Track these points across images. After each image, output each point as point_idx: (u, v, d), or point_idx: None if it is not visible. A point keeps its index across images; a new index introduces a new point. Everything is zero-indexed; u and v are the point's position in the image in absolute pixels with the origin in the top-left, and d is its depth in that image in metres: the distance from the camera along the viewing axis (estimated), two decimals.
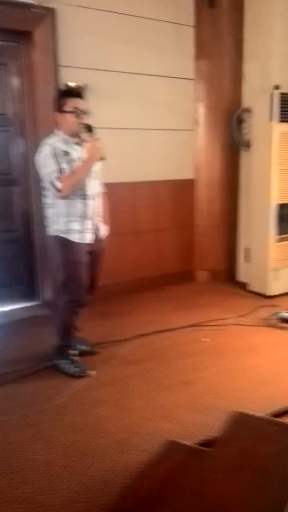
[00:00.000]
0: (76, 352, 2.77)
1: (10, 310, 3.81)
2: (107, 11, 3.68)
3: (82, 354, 2.90)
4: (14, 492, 1.77)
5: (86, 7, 3.58)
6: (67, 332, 2.73)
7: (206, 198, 4.43)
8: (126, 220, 4.11)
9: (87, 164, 2.51)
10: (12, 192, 3.74)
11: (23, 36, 3.46)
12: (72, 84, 3.49)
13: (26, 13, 3.34)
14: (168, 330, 3.29)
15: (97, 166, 2.66)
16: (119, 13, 3.74)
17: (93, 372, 2.67)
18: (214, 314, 3.58)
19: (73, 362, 2.70)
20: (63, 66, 3.53)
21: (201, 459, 1.57)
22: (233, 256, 4.47)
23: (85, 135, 2.55)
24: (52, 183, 2.46)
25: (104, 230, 2.79)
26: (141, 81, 3.95)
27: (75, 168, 2.49)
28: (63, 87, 3.06)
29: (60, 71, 3.52)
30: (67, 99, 2.55)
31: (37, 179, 3.39)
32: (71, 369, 2.67)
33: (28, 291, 3.92)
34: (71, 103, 2.54)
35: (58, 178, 2.44)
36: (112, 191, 3.87)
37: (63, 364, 2.70)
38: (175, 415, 2.23)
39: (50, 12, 3.41)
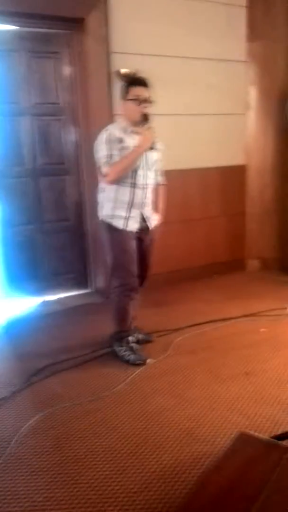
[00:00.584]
0: (134, 339, 2.77)
1: (63, 298, 3.87)
2: None
3: (138, 342, 2.92)
4: (82, 478, 1.79)
5: None
6: (122, 318, 2.73)
7: (258, 185, 4.32)
8: (176, 208, 4.05)
9: (136, 152, 2.49)
10: (65, 181, 3.77)
11: (75, 23, 3.45)
12: (124, 70, 3.47)
13: (79, 0, 3.31)
14: (222, 319, 3.25)
15: (154, 157, 2.64)
16: None
17: (153, 360, 2.67)
18: (268, 304, 3.50)
19: (131, 349, 2.72)
20: (115, 52, 3.50)
21: (276, 453, 1.53)
22: (285, 245, 4.34)
23: (141, 124, 2.53)
24: (100, 168, 2.51)
25: (155, 220, 2.77)
26: (192, 65, 3.87)
27: (123, 157, 2.48)
28: (129, 76, 3.02)
29: (112, 58, 3.49)
30: (130, 87, 2.57)
31: (89, 168, 3.42)
32: (130, 357, 2.69)
33: (80, 279, 3.97)
34: (134, 92, 2.55)
35: (106, 164, 2.47)
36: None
37: (122, 351, 2.72)
38: (240, 406, 2.19)
39: None
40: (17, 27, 3.39)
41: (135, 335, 2.87)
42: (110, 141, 2.48)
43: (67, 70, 3.61)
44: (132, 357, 2.69)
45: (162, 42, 3.70)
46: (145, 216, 2.67)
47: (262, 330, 3.05)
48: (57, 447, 1.97)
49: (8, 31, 3.40)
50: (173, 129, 3.88)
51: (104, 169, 2.49)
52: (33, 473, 1.83)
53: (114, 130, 2.54)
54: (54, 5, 3.24)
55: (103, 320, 2.90)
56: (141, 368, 2.61)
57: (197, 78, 3.91)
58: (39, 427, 2.12)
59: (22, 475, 1.82)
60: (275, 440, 1.60)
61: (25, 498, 1.70)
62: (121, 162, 2.48)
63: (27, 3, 3.15)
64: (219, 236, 4.34)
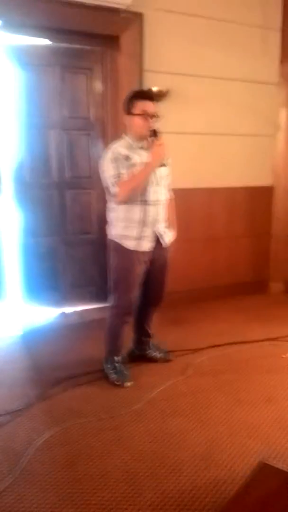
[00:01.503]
0: (119, 359, 2.68)
1: (82, 311, 3.85)
2: (193, 15, 3.65)
3: (155, 360, 2.87)
4: (92, 497, 1.73)
5: (173, 12, 3.56)
6: (111, 339, 2.67)
7: (285, 206, 4.26)
8: (200, 226, 4.03)
9: (147, 169, 2.42)
10: (90, 195, 3.78)
11: (110, 41, 3.49)
12: (156, 88, 3.49)
13: (114, 17, 3.36)
14: (244, 342, 3.17)
15: (164, 172, 2.57)
16: (205, 17, 3.70)
17: (130, 384, 2.59)
18: None
19: (115, 369, 2.64)
20: (147, 70, 3.53)
21: None
22: None
23: (150, 140, 2.46)
24: (109, 188, 2.45)
25: (169, 237, 2.68)
26: (224, 85, 3.87)
27: (134, 173, 2.41)
28: (134, 90, 2.92)
29: (145, 75, 3.52)
30: (137, 102, 2.47)
31: None
32: (112, 376, 2.62)
33: (100, 292, 3.91)
34: (141, 106, 2.45)
35: (115, 183, 2.40)
36: (188, 196, 3.87)
37: (107, 369, 2.66)
38: (261, 433, 2.11)
39: (138, 17, 3.42)
40: (52, 42, 3.46)
41: (150, 352, 2.87)
42: (116, 160, 2.40)
43: (99, 86, 3.65)
44: (114, 376, 2.62)
45: (195, 62, 3.72)
46: (158, 234, 2.58)
47: (285, 355, 2.95)
48: (70, 464, 1.92)
49: (43, 46, 3.47)
50: (202, 148, 3.88)
51: (114, 189, 2.41)
52: (44, 490, 1.78)
53: (118, 147, 2.45)
54: (90, 22, 3.29)
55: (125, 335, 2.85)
56: (161, 388, 2.54)
57: (228, 98, 3.91)
58: (52, 442, 2.07)
59: (33, 491, 1.77)
60: None
61: None
62: (131, 181, 2.40)
63: (64, 19, 3.21)
64: (243, 256, 4.28)
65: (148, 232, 2.52)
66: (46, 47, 3.48)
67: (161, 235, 2.60)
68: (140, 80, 3.50)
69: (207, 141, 3.89)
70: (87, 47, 3.56)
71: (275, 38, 4.03)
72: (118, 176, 2.39)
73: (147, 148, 2.51)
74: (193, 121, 3.80)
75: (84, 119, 3.69)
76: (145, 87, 3.51)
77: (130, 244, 2.50)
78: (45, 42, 3.43)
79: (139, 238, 2.50)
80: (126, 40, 3.45)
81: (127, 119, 2.51)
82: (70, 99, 3.61)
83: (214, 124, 3.89)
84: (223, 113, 3.91)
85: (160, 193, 2.55)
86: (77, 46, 3.52)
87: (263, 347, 3.11)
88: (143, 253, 2.54)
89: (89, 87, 3.65)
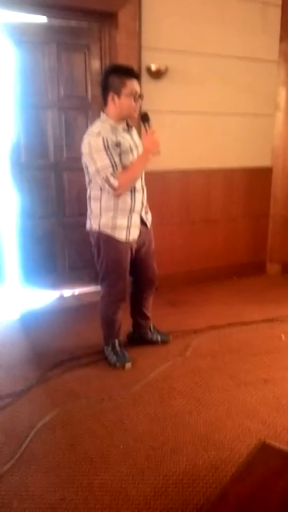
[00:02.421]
0: (117, 341, 2.67)
1: (80, 293, 3.85)
2: None
3: (153, 343, 2.88)
4: (95, 478, 1.76)
5: None
6: (108, 326, 2.65)
7: (283, 187, 4.23)
8: (199, 207, 4.01)
9: (144, 159, 2.35)
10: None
11: (107, 17, 3.40)
12: (154, 66, 3.43)
13: None
14: (242, 323, 3.19)
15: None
16: None
17: (129, 365, 2.60)
18: None
19: (115, 352, 2.65)
20: (146, 47, 3.45)
21: None
22: None
23: (142, 125, 2.36)
24: (107, 180, 2.27)
25: (150, 218, 2.64)
26: (223, 63, 3.79)
27: (131, 165, 2.33)
28: (116, 64, 2.70)
29: (143, 53, 3.44)
30: (127, 80, 2.30)
31: None
32: (112, 358, 2.63)
33: (97, 274, 3.92)
34: (131, 86, 2.30)
35: (113, 175, 2.26)
36: (185, 177, 3.84)
37: (107, 351, 2.67)
38: (259, 414, 2.14)
39: None
40: (47, 19, 3.37)
41: (150, 334, 2.87)
42: (108, 148, 2.25)
43: (96, 64, 3.57)
44: (113, 359, 2.63)
45: (193, 39, 3.64)
46: (143, 218, 2.56)
47: (282, 336, 2.97)
48: (71, 446, 1.95)
49: (38, 24, 3.38)
50: (200, 127, 3.83)
51: (113, 182, 2.26)
52: (47, 472, 1.80)
53: (107, 133, 2.29)
54: None
55: (122, 317, 2.86)
56: (160, 369, 2.57)
57: (226, 76, 3.84)
58: (54, 424, 2.10)
59: (36, 473, 1.80)
60: None
61: (38, 497, 1.67)
62: (130, 172, 2.31)
63: None
64: (241, 237, 4.27)
65: (136, 220, 2.49)
66: (42, 24, 3.39)
67: (146, 219, 2.58)
68: (139, 57, 3.43)
69: (205, 120, 3.83)
70: (84, 24, 3.48)
71: (275, 15, 3.94)
72: (114, 166, 2.26)
73: (129, 130, 2.45)
74: (191, 100, 3.74)
75: (81, 98, 3.63)
76: (144, 64, 3.45)
77: (121, 234, 2.43)
78: (41, 19, 3.34)
79: (127, 227, 2.45)
80: (124, 16, 3.36)
81: (115, 98, 2.32)
82: (66, 78, 3.54)
83: (213, 103, 3.84)
84: (221, 92, 3.85)
85: (143, 178, 2.50)
86: (74, 23, 3.44)
87: (261, 328, 3.13)
88: (131, 241, 2.50)
89: (86, 65, 3.57)
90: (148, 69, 3.45)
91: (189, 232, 3.99)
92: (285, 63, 4.03)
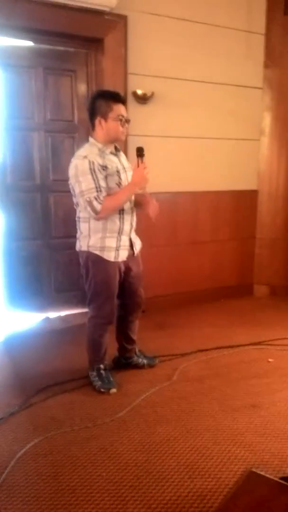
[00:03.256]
0: (103, 366, 2.63)
1: (67, 316, 3.80)
2: (178, 18, 3.64)
3: (139, 367, 2.84)
4: (77, 509, 1.69)
5: (158, 15, 3.56)
6: (94, 349, 2.61)
7: (269, 210, 4.28)
8: (186, 229, 4.03)
9: (129, 190, 2.38)
10: (71, 198, 3.72)
11: (94, 43, 3.46)
12: (140, 92, 3.47)
13: (98, 20, 3.34)
14: (229, 347, 3.16)
15: (128, 176, 2.48)
16: (189, 20, 3.69)
17: (114, 391, 2.55)
18: (276, 332, 3.41)
19: (100, 377, 2.60)
20: (132, 73, 3.51)
21: (286, 496, 1.44)
22: None
23: (137, 159, 2.39)
24: (90, 203, 2.28)
25: (139, 245, 2.64)
26: (208, 89, 3.87)
27: (117, 193, 2.35)
28: (102, 90, 2.78)
29: (129, 78, 3.50)
30: (113, 105, 2.36)
31: None
32: (97, 383, 2.58)
33: (84, 297, 3.87)
34: (117, 110, 2.36)
35: (98, 199, 2.26)
36: (173, 200, 3.87)
37: (92, 376, 2.61)
38: (247, 440, 2.09)
39: (122, 19, 3.40)
40: (34, 44, 3.41)
41: (135, 359, 2.84)
42: (94, 171, 2.27)
43: (83, 88, 3.62)
44: (98, 384, 2.57)
45: (179, 65, 3.71)
46: (132, 241, 2.55)
47: (270, 360, 2.95)
48: (53, 475, 1.88)
49: (25, 47, 3.42)
50: (186, 151, 3.87)
51: (96, 205, 2.27)
52: (27, 502, 1.73)
53: (94, 156, 2.31)
54: (73, 24, 3.26)
55: (108, 341, 2.82)
56: (146, 394, 2.51)
57: (212, 102, 3.91)
58: (36, 452, 2.03)
59: (14, 504, 1.72)
60: (286, 483, 1.51)
61: None
62: (114, 200, 2.32)
63: (47, 21, 3.16)
64: (228, 260, 4.28)
65: (124, 241, 2.48)
66: (29, 48, 3.43)
67: (134, 243, 2.57)
68: (125, 83, 3.48)
69: (191, 145, 3.88)
70: (71, 49, 3.53)
71: (259, 43, 4.04)
72: (99, 189, 2.27)
73: (116, 153, 2.48)
74: (178, 125, 3.79)
75: (67, 121, 3.65)
76: (130, 89, 3.50)
77: (110, 255, 2.43)
78: (28, 43, 3.38)
79: (118, 248, 2.46)
80: (110, 42, 3.42)
81: (102, 122, 2.37)
82: (53, 102, 3.57)
83: (199, 128, 3.89)
84: (207, 117, 3.91)
85: (132, 200, 2.51)
86: (61, 48, 3.49)
87: (249, 352, 3.10)
88: (120, 262, 2.49)
89: (73, 89, 3.61)
90: (134, 94, 3.50)
91: (176, 254, 3.99)
92: (269, 90, 4.12)
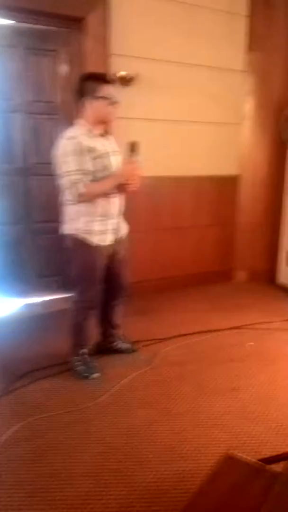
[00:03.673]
0: (86, 351, 2.64)
1: (48, 301, 3.78)
2: None
3: (121, 352, 2.86)
4: (57, 494, 1.72)
5: None
6: (77, 333, 2.61)
7: (250, 196, 4.30)
8: (167, 215, 4.02)
9: (113, 181, 2.35)
10: (54, 182, 3.68)
11: (75, 22, 3.37)
12: (123, 73, 3.42)
13: None
14: (210, 331, 3.20)
15: (119, 162, 2.47)
16: (172, 0, 3.62)
17: (96, 375, 2.57)
18: (256, 316, 3.46)
19: (82, 362, 2.61)
20: (114, 54, 3.44)
21: (263, 478, 1.48)
22: (274, 258, 4.32)
23: (128, 154, 2.37)
24: (74, 184, 2.25)
25: (125, 229, 2.64)
26: (191, 72, 3.82)
27: (102, 180, 2.33)
28: (90, 72, 2.76)
29: (112, 59, 3.43)
30: (100, 85, 2.33)
31: None
32: (79, 368, 2.59)
33: (65, 281, 3.88)
34: (105, 90, 2.33)
35: (82, 181, 2.25)
36: (154, 184, 3.83)
37: (74, 361, 2.62)
38: (226, 423, 2.14)
39: None
40: (14, 22, 3.31)
41: (116, 343, 2.85)
42: (80, 152, 2.24)
43: (64, 68, 3.54)
44: (81, 369, 2.59)
45: (162, 47, 3.65)
46: (118, 226, 2.54)
47: (249, 344, 3.00)
48: (36, 460, 1.90)
49: (5, 26, 3.31)
50: (167, 135, 3.84)
51: (81, 189, 2.24)
52: (9, 488, 1.75)
53: (82, 137, 2.29)
54: (54, 3, 3.17)
55: (91, 326, 2.82)
56: (127, 379, 2.54)
57: (194, 85, 3.87)
58: (17, 438, 2.04)
59: None
60: (263, 464, 1.55)
61: None
62: (98, 186, 2.31)
63: None
64: (209, 245, 4.30)
65: (110, 225, 2.47)
66: (9, 27, 3.33)
67: (119, 227, 2.56)
68: (106, 63, 3.41)
69: (173, 128, 3.85)
70: (52, 28, 3.43)
71: (242, 25, 4.00)
72: (83, 171, 2.24)
73: (105, 135, 2.45)
74: (159, 108, 3.75)
75: (49, 102, 3.58)
76: (112, 71, 3.43)
77: (94, 239, 2.41)
78: (7, 22, 3.28)
79: (105, 231, 2.44)
80: (92, 22, 3.34)
81: (88, 102, 2.34)
82: (34, 82, 3.49)
83: (181, 111, 3.86)
84: (189, 100, 3.87)
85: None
86: (42, 27, 3.39)
87: (228, 336, 3.15)
88: (106, 246, 2.48)
89: (54, 70, 3.53)
90: (117, 76, 3.44)
91: (157, 239, 3.99)
92: (252, 73, 4.10)
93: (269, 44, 4.03)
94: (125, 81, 3.50)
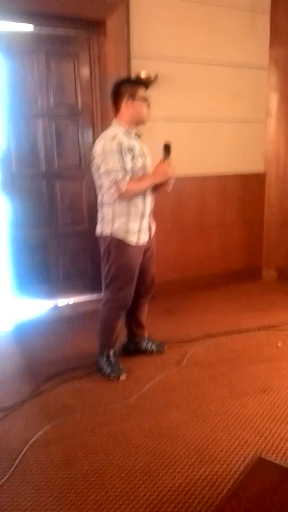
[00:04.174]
0: (113, 352, 2.65)
1: (75, 303, 3.81)
2: None
3: (149, 352, 2.85)
4: (89, 496, 1.71)
5: None
6: (106, 332, 2.62)
7: (277, 193, 4.22)
8: (193, 214, 3.99)
9: (151, 180, 2.43)
10: (81, 185, 3.72)
11: (95, 25, 3.41)
12: (143, 74, 3.42)
13: (100, 1, 3.27)
14: (239, 331, 3.15)
15: (149, 161, 2.54)
16: (192, 1, 3.61)
17: (124, 377, 2.56)
18: (285, 316, 3.39)
19: (110, 363, 2.61)
20: (135, 56, 3.44)
21: None
22: None
23: (162, 156, 2.45)
24: (116, 182, 2.31)
25: (154, 227, 2.67)
26: (213, 70, 3.79)
27: (142, 177, 2.41)
28: (132, 76, 2.95)
29: (132, 61, 3.43)
30: (139, 88, 2.44)
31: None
32: (107, 370, 2.59)
33: (93, 283, 3.89)
34: (142, 93, 2.44)
35: (124, 180, 2.31)
36: (179, 185, 3.77)
37: (102, 363, 2.62)
38: (256, 425, 2.09)
39: (124, 1, 3.31)
40: (34, 28, 3.36)
41: (144, 344, 2.85)
42: (122, 151, 2.31)
43: (85, 72, 3.56)
44: (108, 370, 2.59)
45: (183, 47, 3.64)
46: (150, 225, 2.59)
47: (279, 344, 2.94)
48: (65, 462, 1.90)
49: (26, 33, 3.36)
50: (191, 134, 3.81)
51: (123, 186, 2.31)
52: (39, 489, 1.75)
53: (120, 137, 2.36)
54: (74, 6, 3.20)
55: (120, 327, 2.81)
56: (155, 380, 2.52)
57: (217, 83, 3.83)
58: (47, 439, 2.05)
59: (27, 491, 1.75)
60: None
61: None
62: (140, 184, 2.38)
63: (46, 3, 3.10)
64: (236, 244, 4.25)
65: (145, 224, 2.52)
66: (30, 33, 3.38)
67: (150, 226, 2.60)
68: (128, 65, 3.42)
69: (197, 127, 3.82)
70: (72, 32, 3.47)
71: (264, 22, 3.94)
72: (125, 170, 2.31)
73: (140, 136, 2.51)
74: (182, 107, 3.73)
75: (71, 106, 3.61)
76: (133, 72, 3.43)
77: (132, 239, 2.46)
78: (29, 28, 3.32)
79: (140, 231, 2.49)
80: (112, 24, 3.36)
81: (128, 104, 2.43)
82: (56, 86, 3.53)
83: (204, 110, 3.83)
84: (212, 99, 3.84)
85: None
86: (62, 31, 3.43)
87: (257, 336, 3.09)
88: (141, 245, 2.52)
89: (75, 73, 3.56)
90: (138, 77, 3.44)
91: (183, 239, 3.97)
92: (275, 69, 4.03)
93: None
94: (148, 82, 3.49)
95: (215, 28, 3.73)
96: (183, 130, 3.77)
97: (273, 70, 4.04)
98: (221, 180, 4.04)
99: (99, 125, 3.60)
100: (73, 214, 3.76)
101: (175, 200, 3.82)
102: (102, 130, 3.52)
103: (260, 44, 3.97)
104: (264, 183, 4.23)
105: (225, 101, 3.91)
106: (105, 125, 3.49)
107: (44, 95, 3.50)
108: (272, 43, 4.00)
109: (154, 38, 3.50)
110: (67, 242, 3.80)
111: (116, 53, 3.40)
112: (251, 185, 4.19)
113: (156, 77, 3.50)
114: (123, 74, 3.39)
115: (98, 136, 3.59)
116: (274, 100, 4.10)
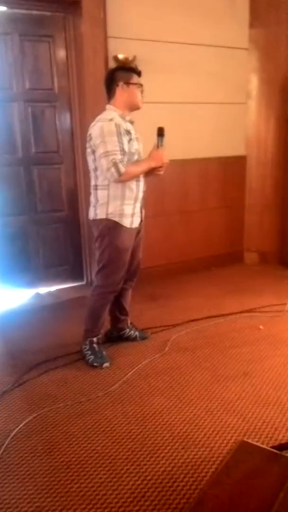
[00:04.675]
0: (96, 340, 2.63)
1: (57, 291, 3.78)
2: None
3: (131, 339, 2.84)
4: (73, 485, 1.70)
5: None
6: (93, 318, 2.61)
7: (258, 176, 4.22)
8: (174, 198, 3.96)
9: (146, 165, 2.45)
10: (59, 170, 3.65)
11: (71, 6, 3.30)
12: (122, 56, 3.34)
13: None
14: (221, 315, 3.17)
15: (141, 147, 2.56)
16: None
17: (107, 364, 2.56)
18: (266, 299, 3.42)
19: (93, 350, 2.61)
20: (112, 37, 3.35)
21: (279, 465, 1.46)
22: (285, 238, 4.25)
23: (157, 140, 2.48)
24: (115, 164, 2.28)
25: (144, 212, 2.67)
26: (191, 51, 3.73)
27: (139, 161, 2.44)
28: (122, 66, 2.92)
29: (110, 42, 3.35)
30: (133, 75, 2.48)
31: (84, 156, 3.29)
32: (90, 357, 2.58)
33: (75, 271, 3.87)
34: (136, 78, 2.48)
35: (122, 161, 2.29)
36: None
37: (85, 351, 2.61)
38: (238, 409, 2.11)
39: None
40: (7, 9, 3.24)
41: (127, 331, 2.84)
42: (119, 133, 2.31)
43: (61, 54, 3.47)
44: (91, 358, 2.58)
45: (161, 27, 3.56)
46: (142, 209, 2.60)
47: (261, 327, 2.96)
48: (48, 452, 1.89)
49: None
50: (171, 117, 3.74)
51: (122, 168, 2.28)
52: (23, 480, 1.74)
53: (119, 120, 2.37)
54: None
55: (106, 315, 2.79)
56: (138, 367, 2.52)
57: (196, 65, 3.77)
58: (30, 429, 2.03)
59: (12, 482, 1.73)
60: (278, 451, 1.52)
61: (13, 507, 1.61)
62: (136, 167, 2.39)
63: None
64: (218, 228, 4.25)
65: (138, 207, 2.53)
66: (2, 13, 3.26)
67: (142, 210, 2.61)
68: (105, 47, 3.33)
69: (176, 110, 3.77)
70: (47, 13, 3.36)
71: (244, 1, 3.87)
72: (122, 152, 2.30)
73: (132, 123, 2.52)
74: (161, 89, 3.65)
75: (47, 90, 3.52)
76: (111, 54, 3.35)
77: (127, 222, 2.46)
78: (1, 8, 3.20)
79: (133, 214, 2.49)
80: (87, 4, 3.26)
81: (124, 87, 2.44)
82: (31, 70, 3.43)
83: (183, 92, 3.77)
84: (192, 81, 3.78)
85: None
86: (36, 12, 3.31)
87: (239, 320, 3.12)
88: (134, 229, 2.53)
89: (51, 56, 3.46)
90: (116, 59, 3.36)
91: (165, 224, 3.95)
92: (255, 50, 3.98)
93: (272, 20, 3.91)
94: (125, 63, 3.41)
95: (193, 8, 3.66)
96: (163, 112, 3.68)
97: (253, 51, 4.00)
98: (202, 164, 4.01)
99: (77, 109, 3.53)
100: (52, 200, 3.69)
101: (155, 184, 3.77)
102: (80, 114, 3.48)
103: (240, 24, 3.91)
104: (245, 166, 4.22)
105: (205, 83, 3.85)
106: (82, 109, 3.44)
107: (19, 79, 3.40)
108: (253, 24, 3.94)
109: (132, 18, 3.41)
110: (47, 229, 3.74)
111: (93, 34, 3.31)
112: (232, 168, 4.17)
113: (134, 59, 3.43)
114: (100, 56, 3.32)
115: (76, 120, 3.56)
116: (254, 82, 4.07)
